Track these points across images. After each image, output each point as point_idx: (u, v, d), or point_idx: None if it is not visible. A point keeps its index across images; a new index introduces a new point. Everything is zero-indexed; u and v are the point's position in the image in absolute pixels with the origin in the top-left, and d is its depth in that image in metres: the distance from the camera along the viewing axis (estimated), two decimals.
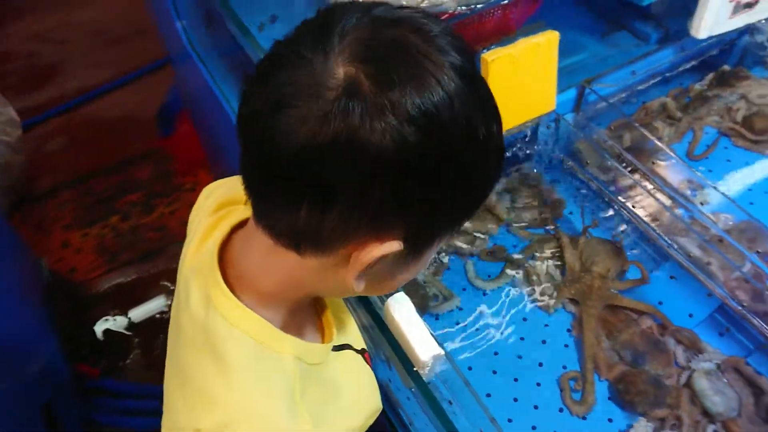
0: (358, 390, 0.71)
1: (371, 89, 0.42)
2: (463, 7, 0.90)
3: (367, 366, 0.74)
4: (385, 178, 0.44)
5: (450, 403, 0.83)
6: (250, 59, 0.86)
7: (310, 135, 0.43)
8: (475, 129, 0.47)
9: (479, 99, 0.48)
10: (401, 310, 0.79)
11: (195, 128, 1.97)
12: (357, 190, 0.45)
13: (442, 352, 0.79)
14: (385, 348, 0.82)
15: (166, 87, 2.43)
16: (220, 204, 0.70)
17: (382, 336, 0.81)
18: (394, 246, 0.49)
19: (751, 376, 0.91)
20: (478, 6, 0.91)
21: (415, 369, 0.80)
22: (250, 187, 0.52)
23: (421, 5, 0.88)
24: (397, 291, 0.80)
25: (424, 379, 0.82)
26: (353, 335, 0.75)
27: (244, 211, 0.66)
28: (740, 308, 0.94)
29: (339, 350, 0.69)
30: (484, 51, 0.95)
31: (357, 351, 0.73)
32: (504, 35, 1.00)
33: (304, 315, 0.67)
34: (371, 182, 0.44)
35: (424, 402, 0.79)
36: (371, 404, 0.74)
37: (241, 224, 0.65)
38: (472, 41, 0.98)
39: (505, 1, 0.91)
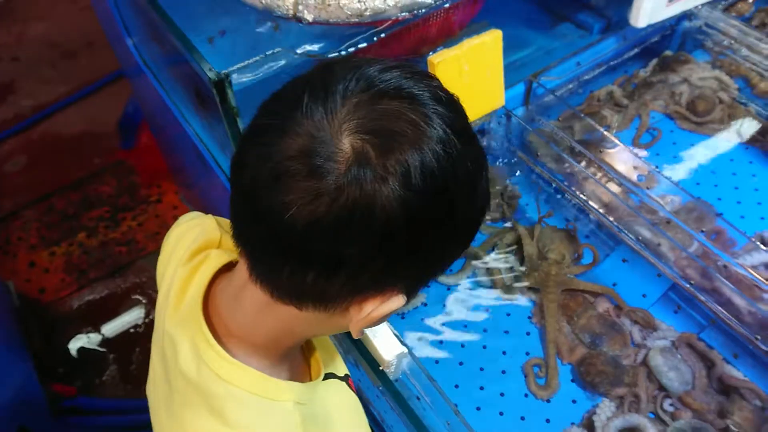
0: (349, 418, 0.71)
1: (378, 161, 0.43)
2: (406, 13, 0.92)
3: (352, 392, 0.74)
4: (392, 242, 0.45)
5: (418, 398, 0.86)
6: (198, 75, 0.87)
7: (321, 210, 0.43)
8: (474, 184, 0.49)
9: (475, 155, 0.49)
10: None
11: (155, 139, 1.97)
12: (365, 256, 0.46)
13: (406, 350, 0.82)
14: (352, 351, 0.85)
15: (124, 99, 2.41)
16: (193, 252, 0.68)
17: (348, 339, 0.84)
18: (397, 302, 0.51)
19: (703, 350, 0.96)
20: (421, 11, 0.93)
21: (381, 368, 0.83)
22: (247, 249, 0.52)
23: (365, 13, 0.90)
24: None
25: (390, 377, 0.84)
26: (336, 362, 0.74)
27: (220, 256, 0.66)
28: (689, 286, 0.99)
29: (324, 379, 0.68)
30: (431, 54, 0.98)
31: (341, 378, 0.73)
32: (449, 37, 1.03)
33: (294, 357, 0.67)
34: (379, 248, 0.46)
35: (391, 399, 0.82)
36: (361, 430, 0.74)
37: (221, 269, 0.64)
38: (417, 45, 1.01)
39: (447, 5, 0.93)
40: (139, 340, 1.96)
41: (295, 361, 0.67)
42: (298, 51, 0.87)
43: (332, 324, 0.55)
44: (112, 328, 1.98)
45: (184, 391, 0.59)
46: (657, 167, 1.19)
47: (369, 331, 0.81)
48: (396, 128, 0.45)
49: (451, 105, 0.49)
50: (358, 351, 0.84)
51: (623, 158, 1.09)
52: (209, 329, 0.58)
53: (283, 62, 0.87)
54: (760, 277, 0.93)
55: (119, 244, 2.18)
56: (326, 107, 0.45)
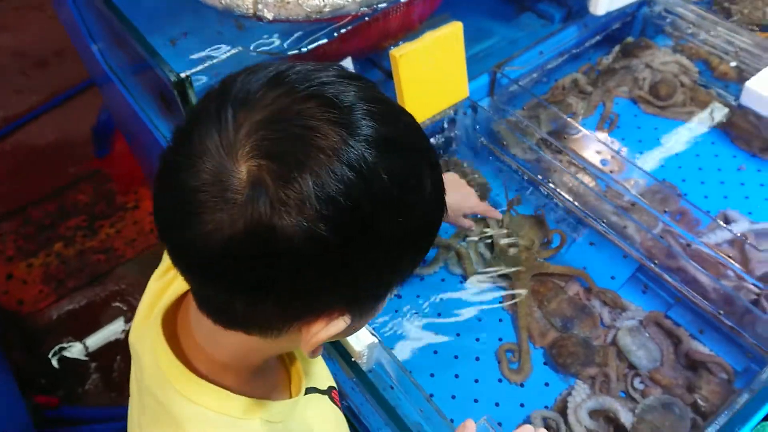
0: None
1: (275, 191, 0.41)
2: (366, 8, 0.93)
3: (334, 406, 0.72)
4: (308, 269, 0.43)
5: (392, 387, 0.87)
6: (161, 80, 0.87)
7: (225, 240, 0.42)
8: (403, 196, 0.45)
9: (404, 164, 0.45)
10: None
11: (129, 146, 1.96)
12: (284, 282, 0.44)
13: (377, 341, 0.83)
14: (325, 344, 0.85)
15: (97, 106, 2.39)
16: (168, 265, 0.66)
17: None
18: (340, 324, 0.49)
19: (670, 328, 0.98)
20: (381, 6, 0.94)
21: (353, 359, 0.84)
22: (185, 279, 0.50)
23: (324, 9, 0.91)
24: None
25: (363, 368, 0.86)
26: (321, 373, 0.73)
27: None
28: (653, 266, 1.01)
29: (306, 393, 0.67)
30: (392, 48, 0.99)
31: (323, 392, 0.71)
32: (410, 31, 1.04)
33: (270, 370, 0.65)
34: (295, 275, 0.44)
35: (365, 390, 0.83)
36: None
37: None
38: (378, 40, 1.02)
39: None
40: (121, 348, 1.95)
41: (272, 376, 0.66)
42: (258, 50, 0.87)
43: (289, 344, 0.55)
44: (96, 340, 1.98)
45: (153, 408, 0.58)
46: (622, 152, 1.21)
47: None
48: (297, 149, 0.41)
49: (375, 113, 0.44)
50: (331, 344, 0.85)
51: (588, 145, 1.11)
52: (176, 345, 0.58)
53: (243, 62, 0.88)
54: (722, 254, 0.96)
55: (97, 252, 2.17)
56: (224, 126, 0.43)
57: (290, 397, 0.66)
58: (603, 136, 1.23)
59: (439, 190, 0.51)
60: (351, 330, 0.55)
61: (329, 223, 0.41)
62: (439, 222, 0.52)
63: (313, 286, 0.45)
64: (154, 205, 0.47)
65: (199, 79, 0.88)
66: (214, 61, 0.88)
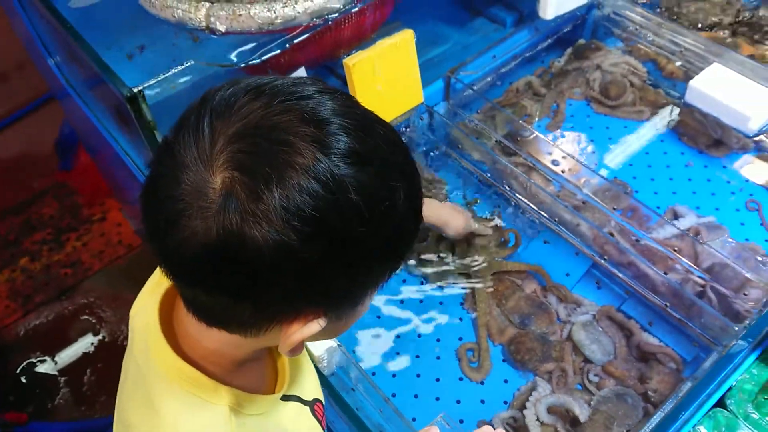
0: None
1: (246, 203, 0.43)
2: (317, 19, 0.95)
3: (314, 419, 0.73)
4: (280, 276, 0.45)
5: (353, 389, 0.89)
6: (116, 96, 0.88)
7: (201, 246, 0.45)
8: (372, 208, 0.46)
9: (374, 177, 0.46)
10: None
11: (92, 158, 1.95)
12: (258, 288, 0.46)
13: (336, 345, 0.85)
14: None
15: (60, 119, 2.37)
16: None
17: None
18: (315, 326, 0.51)
19: (622, 321, 1.01)
20: (332, 16, 0.96)
21: (314, 364, 0.86)
22: (171, 281, 0.53)
23: (276, 21, 0.92)
24: None
25: (324, 372, 0.87)
26: (307, 384, 0.74)
27: None
28: (605, 262, 1.04)
29: (286, 400, 0.68)
30: (345, 57, 1.01)
31: (306, 402, 0.72)
32: (363, 39, 1.06)
33: (258, 368, 0.67)
34: (268, 281, 0.46)
35: (326, 393, 0.85)
36: None
37: None
38: (332, 49, 1.04)
39: (355, 9, 0.97)
40: (91, 361, 1.94)
41: (259, 373, 0.67)
42: (210, 63, 0.89)
43: (270, 342, 0.56)
44: (66, 355, 1.96)
45: (134, 380, 0.62)
46: (575, 152, 1.24)
47: None
48: (268, 163, 0.44)
49: (350, 128, 0.46)
50: None
51: (542, 147, 1.14)
52: (169, 326, 0.60)
53: (196, 75, 0.89)
54: (669, 249, 0.99)
55: (64, 266, 2.15)
56: (198, 144, 0.45)
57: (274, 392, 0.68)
58: (556, 136, 1.27)
59: (414, 200, 0.52)
60: (333, 332, 0.58)
61: (297, 233, 0.43)
62: (414, 232, 0.53)
63: (286, 292, 0.47)
64: (142, 213, 0.50)
65: (154, 93, 0.89)
66: (168, 74, 0.89)
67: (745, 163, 1.21)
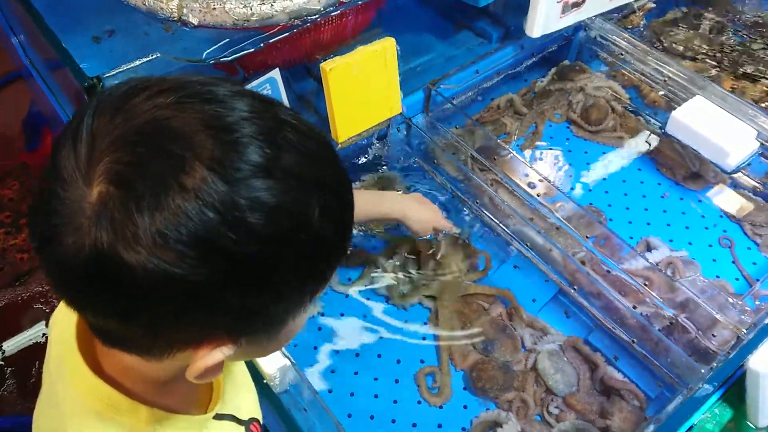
0: None
1: (119, 219, 0.39)
2: (295, 20, 0.91)
3: None
4: (161, 302, 0.41)
5: (305, 410, 0.85)
6: (75, 84, 0.83)
7: (77, 265, 0.40)
8: (276, 226, 0.41)
9: (281, 192, 0.42)
10: None
11: None
12: (143, 312, 0.42)
13: (289, 363, 0.81)
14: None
15: (27, 98, 2.29)
16: None
17: None
18: (218, 355, 0.46)
19: (587, 353, 0.99)
20: (311, 17, 0.92)
21: (265, 381, 0.82)
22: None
23: (251, 18, 0.88)
24: None
25: (275, 390, 0.83)
26: (244, 403, 0.70)
27: None
28: (574, 291, 1.02)
29: (220, 419, 0.64)
30: (323, 60, 0.97)
31: (241, 422, 0.68)
32: (342, 44, 1.02)
33: (187, 386, 0.61)
34: (150, 305, 0.41)
35: (275, 412, 0.81)
36: None
37: None
38: (309, 51, 1.00)
39: (336, 12, 0.93)
40: (41, 351, 1.86)
41: (186, 390, 0.61)
42: (178, 57, 0.84)
43: (177, 367, 0.51)
44: (14, 344, 1.88)
45: (48, 392, 0.59)
46: (551, 175, 1.22)
47: None
48: (149, 177, 0.39)
49: (253, 137, 0.41)
50: (245, 363, 0.82)
51: (518, 167, 1.11)
52: (89, 339, 0.56)
53: (161, 68, 0.84)
54: (639, 283, 0.97)
55: (20, 251, 2.07)
56: (77, 150, 0.40)
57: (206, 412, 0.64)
58: (534, 157, 1.24)
59: (336, 213, 0.47)
60: (255, 354, 0.55)
61: (179, 257, 0.39)
62: (339, 248, 0.49)
63: (176, 318, 0.42)
64: (27, 227, 0.45)
65: (114, 83, 0.84)
66: (131, 65, 0.84)
67: (720, 199, 1.20)
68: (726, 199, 1.20)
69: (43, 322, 1.92)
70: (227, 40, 0.94)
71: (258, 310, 0.45)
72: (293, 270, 0.45)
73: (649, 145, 1.27)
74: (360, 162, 1.15)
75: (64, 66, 0.88)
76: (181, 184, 0.38)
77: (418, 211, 1.07)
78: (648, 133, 1.29)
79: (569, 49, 1.38)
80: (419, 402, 0.97)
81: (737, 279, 1.08)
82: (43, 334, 1.90)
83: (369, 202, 1.05)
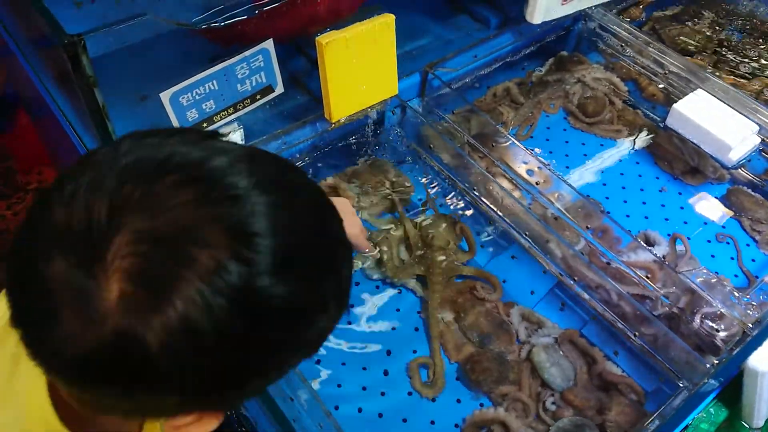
0: None
1: (145, 314, 0.39)
2: None
3: None
4: (170, 389, 0.43)
5: (291, 399, 0.80)
6: (54, 47, 0.77)
7: (87, 351, 0.40)
8: (291, 317, 0.44)
9: (296, 290, 0.44)
10: None
11: (33, 123, 1.80)
12: (144, 397, 0.44)
13: None
14: None
15: (3, 76, 2.20)
16: None
17: None
18: (213, 422, 0.48)
19: (584, 347, 0.95)
20: None
21: None
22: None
23: None
24: None
25: None
26: None
27: None
28: (572, 283, 0.98)
29: None
30: (319, 34, 0.93)
31: None
32: (339, 18, 0.98)
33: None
34: (156, 393, 0.43)
35: (260, 402, 0.76)
36: None
37: None
38: (304, 24, 0.95)
39: None
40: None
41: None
42: (168, 19, 0.79)
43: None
44: None
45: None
46: (549, 165, 1.19)
47: None
48: (173, 278, 0.39)
49: (273, 247, 0.42)
50: None
51: (516, 155, 1.08)
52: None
53: (150, 30, 0.79)
54: (640, 275, 0.94)
55: None
56: (91, 222, 0.40)
57: None
58: (535, 145, 1.21)
59: (342, 299, 0.51)
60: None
61: (179, 348, 0.40)
62: (336, 322, 0.52)
63: (174, 402, 0.44)
64: (10, 292, 0.44)
65: (98, 45, 0.79)
66: (117, 26, 0.78)
67: (719, 194, 1.18)
68: (724, 195, 1.17)
69: None
70: (220, 6, 0.88)
71: (254, 385, 0.49)
72: (299, 350, 0.49)
73: (650, 134, 1.25)
74: (353, 144, 1.11)
75: (41, 29, 0.82)
76: (200, 281, 0.40)
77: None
78: (646, 126, 1.26)
79: (567, 40, 1.35)
80: (410, 393, 0.92)
81: (736, 276, 1.06)
82: None
83: None
